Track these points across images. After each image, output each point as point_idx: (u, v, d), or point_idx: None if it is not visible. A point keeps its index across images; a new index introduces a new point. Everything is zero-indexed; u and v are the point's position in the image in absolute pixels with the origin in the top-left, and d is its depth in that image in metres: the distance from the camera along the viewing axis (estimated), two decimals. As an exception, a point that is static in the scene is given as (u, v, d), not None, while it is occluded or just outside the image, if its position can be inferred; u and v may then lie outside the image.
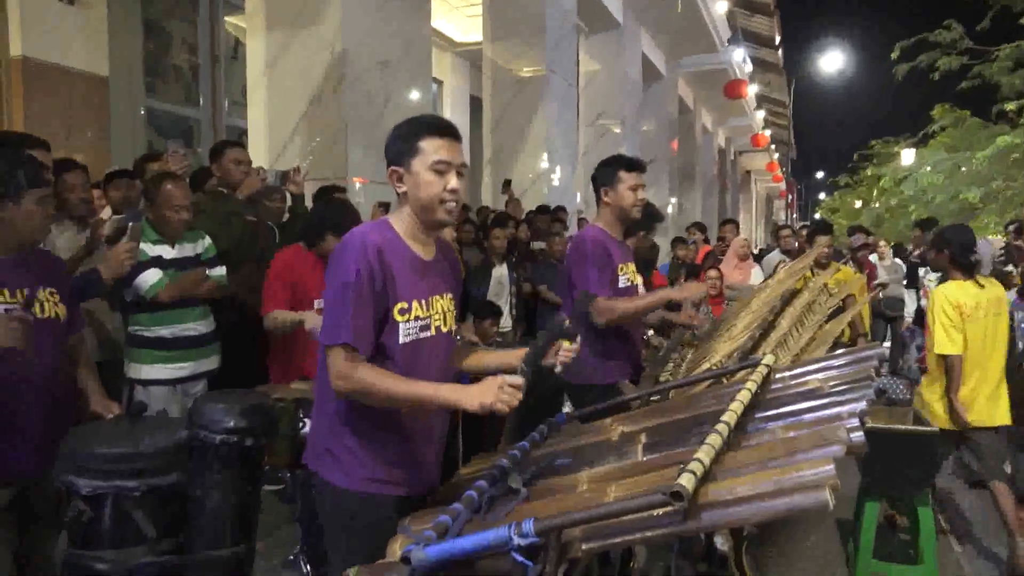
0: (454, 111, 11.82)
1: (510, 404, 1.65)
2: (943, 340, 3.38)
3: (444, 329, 1.88)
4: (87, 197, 3.38)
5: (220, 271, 3.25)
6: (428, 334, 1.83)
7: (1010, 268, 5.83)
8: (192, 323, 3.10)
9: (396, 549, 1.56)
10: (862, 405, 1.56)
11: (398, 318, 1.76)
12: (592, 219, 3.25)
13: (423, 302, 1.82)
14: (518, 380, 1.68)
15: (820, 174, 56.52)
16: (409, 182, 1.79)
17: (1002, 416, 3.45)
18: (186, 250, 3.16)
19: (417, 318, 1.80)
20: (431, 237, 1.89)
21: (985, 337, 3.43)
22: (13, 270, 2.13)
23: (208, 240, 3.29)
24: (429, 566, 1.40)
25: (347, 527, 1.81)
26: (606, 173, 3.04)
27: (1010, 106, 12.89)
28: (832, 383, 1.78)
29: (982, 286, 3.45)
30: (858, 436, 1.40)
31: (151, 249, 3.02)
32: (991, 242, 8.72)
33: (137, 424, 2.26)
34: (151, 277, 2.97)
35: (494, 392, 1.65)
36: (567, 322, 1.96)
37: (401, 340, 1.78)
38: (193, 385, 3.12)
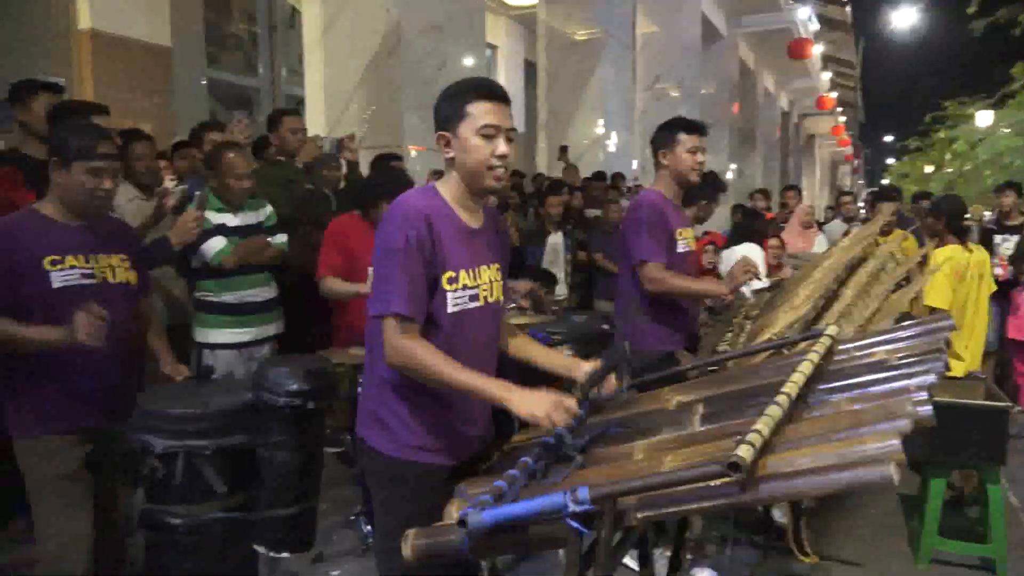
0: (508, 76, 11.71)
1: (556, 426, 1.62)
2: (938, 293, 3.65)
3: (491, 300, 1.84)
4: (153, 167, 3.49)
5: (281, 238, 3.33)
6: (476, 304, 1.79)
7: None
8: (255, 289, 3.20)
9: (453, 512, 1.59)
10: (931, 378, 1.50)
11: (447, 287, 1.73)
12: (649, 184, 3.20)
13: (471, 271, 1.78)
14: (575, 406, 1.64)
15: (889, 137, 54.18)
16: (457, 147, 1.74)
17: None
18: (248, 218, 3.24)
19: (465, 287, 1.76)
20: (479, 204, 1.84)
21: (968, 299, 3.81)
22: (84, 236, 2.22)
23: (270, 208, 3.37)
24: (485, 529, 1.43)
25: (394, 495, 1.79)
26: (664, 135, 2.98)
27: (1100, 63, 12.08)
28: (900, 355, 1.72)
29: (970, 251, 3.88)
30: (926, 410, 1.35)
31: (215, 217, 3.11)
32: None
33: (206, 386, 2.36)
34: (216, 244, 3.07)
35: (549, 408, 1.60)
36: (627, 347, 1.97)
37: (449, 309, 1.75)
38: (258, 349, 3.22)
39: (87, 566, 2.20)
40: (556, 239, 5.46)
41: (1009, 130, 14.37)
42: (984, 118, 17.00)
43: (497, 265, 1.87)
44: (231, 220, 3.17)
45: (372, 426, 1.81)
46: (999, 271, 5.18)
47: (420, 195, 1.77)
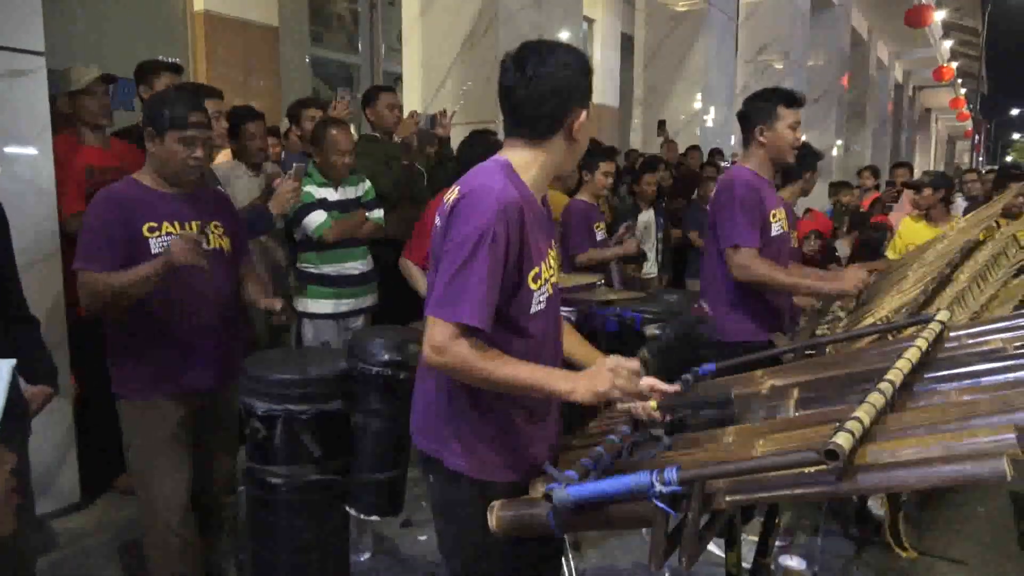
0: (604, 50, 11.50)
1: (627, 391, 1.48)
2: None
3: (556, 282, 1.69)
4: (263, 145, 3.64)
5: (378, 213, 3.42)
6: (549, 294, 1.63)
7: None
8: (354, 262, 3.32)
9: (539, 488, 1.60)
10: (1055, 370, 1.39)
11: (532, 286, 1.55)
12: (741, 159, 3.02)
13: (546, 261, 1.61)
14: (634, 364, 1.50)
15: (1015, 111, 50.10)
16: (586, 126, 1.58)
17: None
18: (348, 193, 3.35)
19: (545, 280, 1.60)
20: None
21: None
22: (180, 204, 2.27)
23: (368, 183, 3.47)
24: (570, 506, 1.43)
25: (475, 515, 1.58)
26: (762, 109, 2.77)
27: None
28: (1018, 344, 1.61)
29: None
30: (1048, 404, 1.25)
31: (317, 192, 3.23)
32: None
33: (305, 354, 2.47)
34: (317, 218, 3.19)
35: (607, 378, 1.47)
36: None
37: (533, 309, 1.57)
38: (354, 320, 3.35)
39: (186, 525, 2.28)
40: (648, 216, 5.38)
41: None
42: None
43: (554, 240, 1.71)
44: (332, 195, 3.28)
45: (452, 446, 1.61)
46: None
47: (505, 180, 1.51)
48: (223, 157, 3.56)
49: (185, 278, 2.16)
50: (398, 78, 7.26)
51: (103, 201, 2.20)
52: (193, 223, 2.27)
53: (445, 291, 1.46)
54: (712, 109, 9.99)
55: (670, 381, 1.76)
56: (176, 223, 2.24)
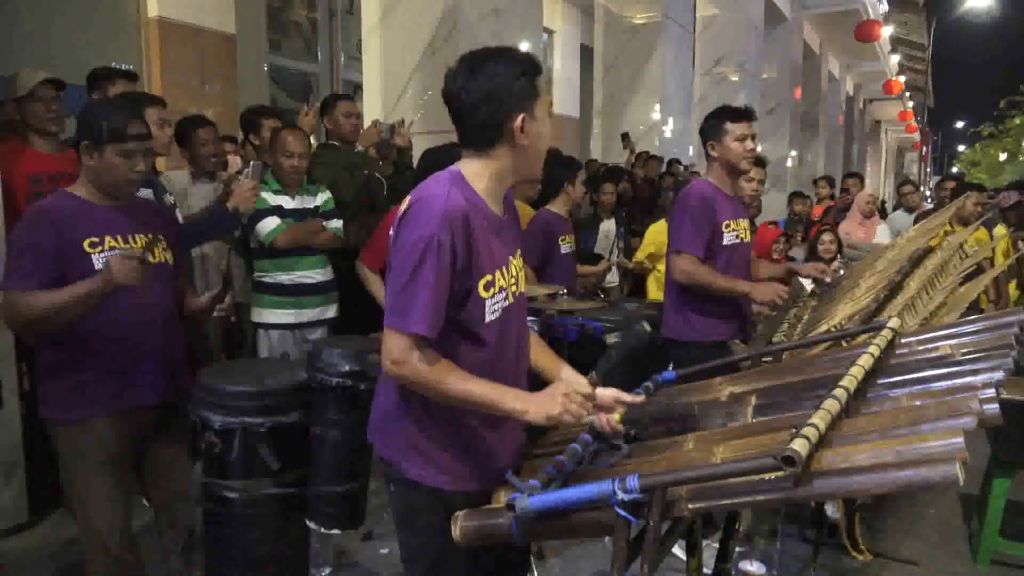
0: (564, 60, 11.61)
1: (578, 416, 1.49)
2: None
3: (518, 291, 1.68)
4: (217, 152, 3.58)
5: (336, 223, 3.39)
6: (508, 303, 1.63)
7: None
8: (309, 271, 3.27)
9: (501, 497, 1.60)
10: (999, 375, 1.44)
11: (483, 294, 1.55)
12: (704, 173, 3.16)
13: (503, 269, 1.61)
14: (587, 387, 1.53)
15: (960, 124, 51.90)
16: (531, 129, 1.57)
17: None
18: (305, 202, 3.31)
19: (501, 289, 1.60)
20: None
21: None
22: (121, 217, 2.17)
23: (327, 194, 3.43)
24: (532, 515, 1.43)
25: (433, 524, 1.61)
26: (712, 125, 2.94)
27: None
28: (965, 350, 1.66)
29: None
30: (992, 408, 1.29)
31: (272, 199, 3.19)
32: None
33: (262, 366, 2.42)
34: (270, 223, 3.15)
35: (560, 402, 1.48)
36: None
37: (487, 319, 1.57)
38: (312, 331, 3.30)
39: (127, 549, 2.18)
40: (609, 225, 5.42)
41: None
42: (1066, 103, 16.14)
43: (519, 250, 1.71)
44: (288, 203, 3.24)
45: (411, 455, 1.62)
46: None
47: (452, 188, 1.53)
48: (168, 165, 3.50)
49: (126, 293, 2.05)
50: (358, 87, 7.22)
51: (33, 216, 2.07)
52: (138, 236, 2.18)
53: (396, 301, 1.49)
54: (670, 119, 10.14)
55: (630, 389, 1.79)
56: (119, 236, 2.14)
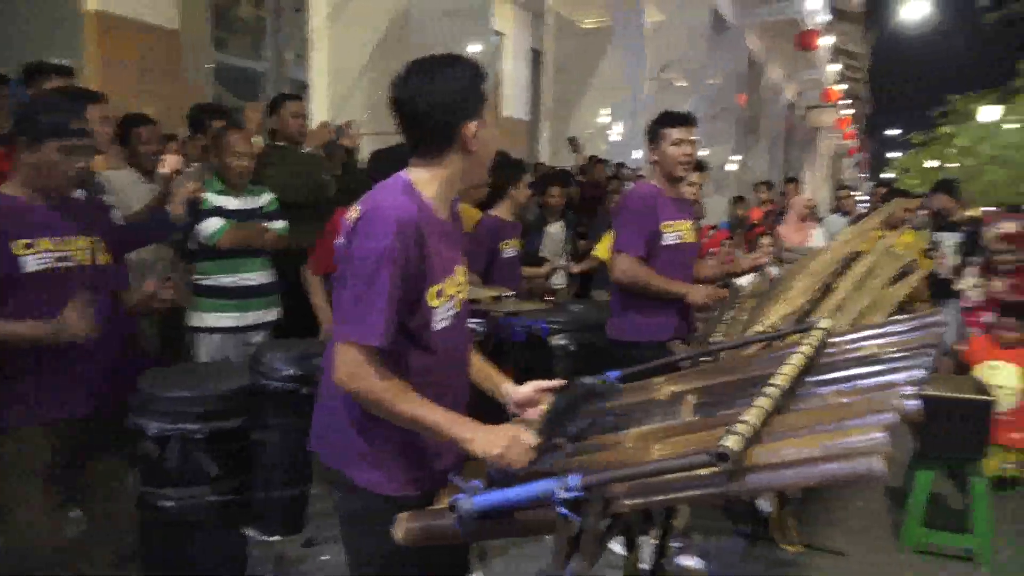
0: (515, 63, 11.67)
1: (515, 464, 1.48)
2: None
3: (463, 299, 1.70)
4: (159, 151, 3.49)
5: (281, 224, 3.34)
6: (456, 310, 1.65)
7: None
8: (252, 273, 3.22)
9: (444, 498, 1.61)
10: (921, 373, 1.51)
11: (433, 303, 1.57)
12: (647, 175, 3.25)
13: (452, 277, 1.63)
14: (534, 440, 1.52)
15: (894, 131, 53.92)
16: (483, 136, 1.58)
17: None
18: (248, 202, 3.26)
19: (450, 297, 1.61)
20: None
21: None
22: (57, 218, 2.10)
23: (271, 195, 3.38)
24: (476, 515, 1.45)
25: (383, 530, 1.55)
26: (653, 130, 3.04)
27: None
28: (890, 349, 1.74)
29: None
30: (912, 404, 1.36)
31: (215, 199, 3.13)
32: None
33: (201, 371, 2.38)
34: (213, 224, 3.09)
35: (505, 446, 1.48)
36: (601, 381, 1.82)
37: (436, 327, 1.58)
38: (254, 335, 3.24)
39: (56, 561, 2.11)
40: (556, 228, 5.46)
41: (1016, 125, 14.28)
42: (988, 114, 16.90)
43: (463, 257, 1.73)
44: (231, 203, 3.19)
45: (358, 462, 1.62)
46: None
47: (403, 198, 1.53)
48: (106, 163, 3.40)
49: (62, 299, 1.98)
50: (305, 86, 7.13)
51: None
52: (76, 238, 2.11)
53: (349, 313, 1.49)
54: (619, 123, 10.29)
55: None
56: (55, 238, 2.06)
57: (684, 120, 2.97)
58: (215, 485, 2.11)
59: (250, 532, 2.19)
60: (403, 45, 5.92)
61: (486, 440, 1.50)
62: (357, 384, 1.49)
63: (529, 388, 1.71)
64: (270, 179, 3.53)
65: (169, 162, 3.23)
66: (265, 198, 3.35)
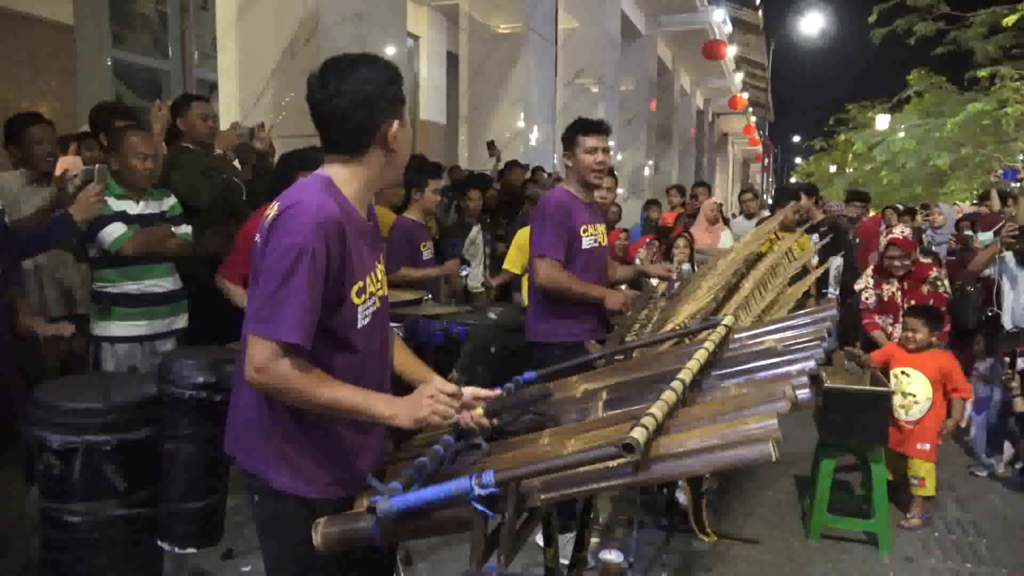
0: (430, 66, 11.64)
1: (446, 415, 1.53)
2: None
3: (382, 295, 1.69)
4: (51, 152, 3.32)
5: (186, 229, 3.24)
6: (377, 307, 1.65)
7: (969, 234, 5.98)
8: (158, 279, 3.10)
9: (363, 501, 1.61)
10: (811, 364, 1.62)
11: (356, 300, 1.56)
12: (563, 181, 3.30)
13: (373, 274, 1.63)
14: (451, 387, 1.57)
15: (797, 138, 56.72)
16: (402, 135, 1.58)
17: None
18: (151, 207, 3.14)
19: (371, 294, 1.61)
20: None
21: None
22: None
23: (173, 198, 3.27)
24: (393, 516, 1.46)
25: (306, 537, 1.54)
26: (568, 137, 3.09)
27: (982, 73, 13.00)
28: (786, 343, 1.85)
29: None
30: (804, 393, 1.46)
31: (116, 204, 2.99)
32: (957, 207, 8.89)
33: (107, 380, 2.29)
34: (115, 230, 2.95)
35: (427, 404, 1.52)
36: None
37: (359, 324, 1.58)
38: (162, 343, 3.13)
39: None
40: (475, 232, 5.50)
41: (904, 134, 15.28)
42: (882, 121, 18.02)
43: (380, 254, 1.73)
44: (132, 208, 3.06)
45: (277, 465, 1.58)
46: None
47: (324, 195, 1.51)
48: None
49: None
50: (213, 86, 6.91)
51: None
52: None
53: (264, 308, 1.46)
54: (535, 127, 10.41)
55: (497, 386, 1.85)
56: None
57: (598, 128, 3.03)
58: (124, 498, 2.04)
59: (164, 545, 2.12)
60: (313, 46, 5.81)
61: (409, 408, 1.52)
62: (265, 377, 1.46)
63: (467, 393, 1.71)
64: (177, 183, 3.42)
65: (66, 163, 3.08)
66: (168, 202, 3.23)
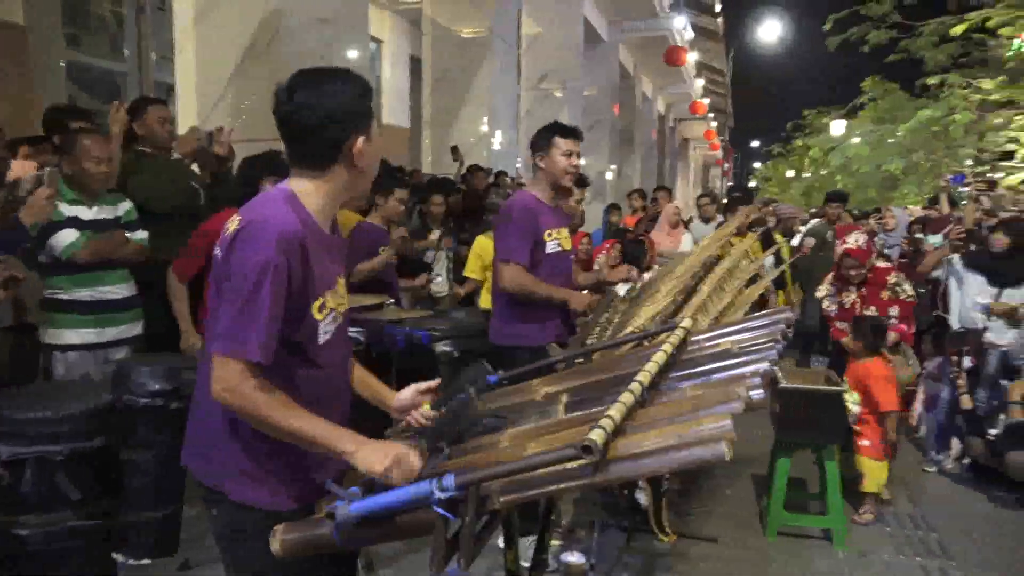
0: (393, 70, 11.61)
1: (399, 482, 1.47)
2: None
3: (343, 310, 1.68)
4: (4, 155, 3.24)
5: (141, 235, 3.18)
6: (338, 322, 1.64)
7: (920, 236, 6.16)
8: (112, 286, 3.05)
9: (323, 507, 1.60)
10: (765, 365, 1.66)
11: (317, 316, 1.55)
12: (528, 185, 3.32)
13: (334, 289, 1.61)
14: (418, 463, 1.51)
15: (756, 143, 57.80)
16: (369, 151, 1.57)
17: None
18: (105, 212, 3.08)
19: (332, 309, 1.60)
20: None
21: None
22: None
23: (129, 203, 3.21)
24: (353, 521, 1.45)
25: (262, 547, 1.51)
26: (542, 138, 3.09)
27: (932, 80, 13.39)
28: (742, 345, 1.89)
29: None
30: (757, 393, 1.50)
31: (67, 209, 2.93)
32: (909, 211, 9.14)
33: (58, 389, 2.25)
34: (67, 237, 2.89)
35: (389, 465, 1.47)
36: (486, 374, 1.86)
37: (320, 340, 1.57)
38: (116, 351, 3.06)
39: None
40: (437, 236, 5.49)
41: (859, 139, 15.67)
42: (838, 127, 18.45)
43: (343, 267, 1.71)
44: (85, 213, 3.00)
45: (238, 477, 1.57)
46: None
47: (287, 211, 1.50)
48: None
49: None
50: (171, 89, 6.79)
51: None
52: None
53: (231, 327, 1.45)
54: (499, 132, 10.43)
55: (454, 394, 1.85)
56: None
57: (573, 133, 3.08)
58: (78, 509, 2.00)
59: (119, 557, 2.08)
60: (275, 50, 5.75)
61: (370, 456, 1.49)
62: (235, 399, 1.46)
63: (409, 392, 1.72)
64: (135, 188, 3.36)
65: (18, 168, 3.01)
66: (123, 207, 3.17)
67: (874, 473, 3.71)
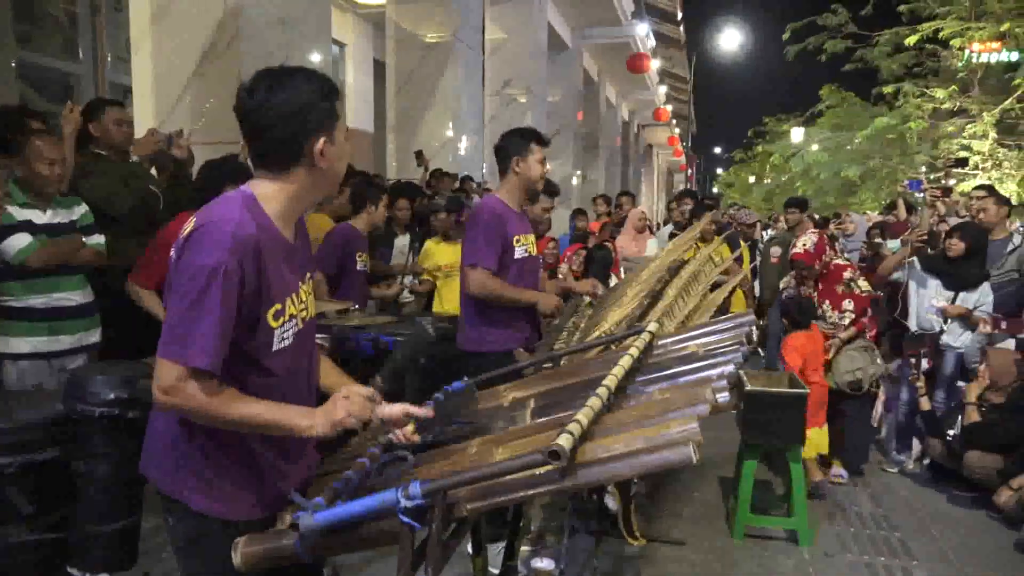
0: (357, 74, 11.53)
1: (361, 416, 1.50)
2: None
3: (308, 316, 1.65)
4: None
5: (98, 239, 3.09)
6: (298, 328, 1.59)
7: (879, 241, 6.28)
8: (67, 292, 2.95)
9: (287, 518, 1.57)
10: (730, 368, 1.67)
11: (272, 324, 1.51)
12: (496, 189, 3.31)
13: (294, 296, 1.57)
14: (366, 390, 1.54)
15: (718, 149, 58.72)
16: (331, 153, 1.53)
17: None
18: (60, 215, 2.99)
19: (291, 316, 1.55)
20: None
21: None
22: None
23: (85, 207, 3.12)
24: (318, 532, 1.42)
25: (223, 559, 1.49)
26: (519, 143, 3.05)
27: (888, 89, 13.75)
28: (708, 348, 1.90)
29: None
30: (723, 396, 1.50)
31: (19, 213, 2.84)
32: (867, 216, 9.34)
33: (9, 399, 2.17)
34: (18, 242, 2.79)
35: (342, 406, 1.50)
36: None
37: (276, 347, 1.52)
38: (72, 359, 2.97)
39: None
40: (403, 241, 5.46)
41: (817, 146, 16.01)
42: (797, 134, 18.84)
43: (308, 275, 1.67)
44: (39, 217, 2.90)
45: (196, 486, 1.53)
46: None
47: (243, 213, 1.45)
48: None
49: None
50: (127, 91, 6.64)
51: None
52: None
53: (174, 330, 1.40)
54: (464, 137, 10.41)
55: (427, 397, 1.84)
56: None
57: (547, 140, 3.10)
58: (32, 522, 1.92)
59: (75, 572, 2.01)
60: (235, 51, 5.65)
61: (326, 416, 1.49)
62: (174, 398, 1.40)
63: (397, 409, 1.68)
64: (91, 191, 3.26)
65: None
66: (79, 211, 3.08)
67: (812, 439, 3.83)
